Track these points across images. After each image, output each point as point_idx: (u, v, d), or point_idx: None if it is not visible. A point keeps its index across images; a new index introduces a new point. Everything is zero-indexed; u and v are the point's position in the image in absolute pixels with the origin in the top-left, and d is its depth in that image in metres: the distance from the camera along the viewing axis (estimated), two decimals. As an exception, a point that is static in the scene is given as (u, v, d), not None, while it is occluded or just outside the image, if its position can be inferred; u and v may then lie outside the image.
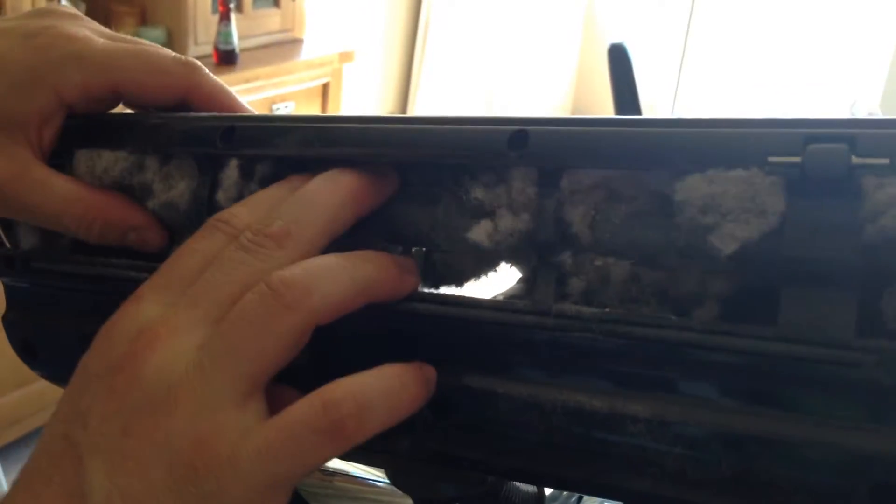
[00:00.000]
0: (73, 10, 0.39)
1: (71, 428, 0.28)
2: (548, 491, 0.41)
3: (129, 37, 0.39)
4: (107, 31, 0.39)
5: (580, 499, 0.50)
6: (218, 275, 0.29)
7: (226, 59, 2.13)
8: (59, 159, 0.38)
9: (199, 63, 0.38)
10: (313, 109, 2.35)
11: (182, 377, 0.27)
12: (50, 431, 0.28)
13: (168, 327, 0.28)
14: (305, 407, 0.27)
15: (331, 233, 0.30)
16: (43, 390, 1.74)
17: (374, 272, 0.29)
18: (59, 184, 0.37)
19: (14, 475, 0.29)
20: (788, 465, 0.26)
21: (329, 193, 0.31)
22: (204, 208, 0.35)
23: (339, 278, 0.28)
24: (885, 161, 0.24)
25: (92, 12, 2.00)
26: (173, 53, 0.38)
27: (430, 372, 0.30)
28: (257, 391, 0.27)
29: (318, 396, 0.27)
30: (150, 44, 0.39)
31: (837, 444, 0.25)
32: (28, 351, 0.40)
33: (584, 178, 0.29)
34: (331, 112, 2.38)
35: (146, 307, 0.29)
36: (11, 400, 1.76)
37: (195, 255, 0.30)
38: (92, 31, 0.38)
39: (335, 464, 0.50)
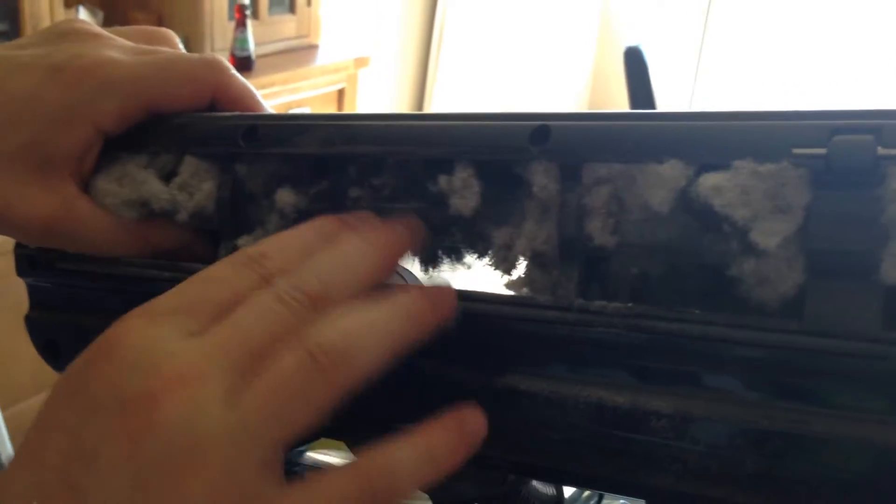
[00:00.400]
0: (91, 26, 0.39)
1: (73, 467, 0.25)
2: (567, 493, 0.41)
3: (150, 47, 0.39)
4: (128, 44, 0.38)
5: (600, 500, 0.49)
6: (251, 321, 0.27)
7: (242, 65, 2.14)
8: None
9: (225, 62, 0.38)
10: (329, 115, 2.36)
11: (207, 434, 0.25)
12: (41, 461, 0.25)
13: (194, 371, 0.25)
14: (335, 485, 0.26)
15: (363, 293, 0.30)
16: (62, 395, 1.75)
17: (411, 324, 0.29)
18: (104, 217, 0.37)
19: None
20: (814, 459, 0.26)
21: (365, 258, 0.30)
22: (228, 208, 0.35)
23: (377, 340, 0.28)
24: None
25: (109, 20, 2.01)
26: (198, 56, 0.38)
27: (473, 425, 0.28)
28: (280, 456, 0.26)
29: (349, 475, 0.26)
30: (171, 48, 0.39)
31: (864, 438, 0.25)
32: (50, 350, 0.40)
33: (604, 172, 0.29)
34: (346, 117, 2.38)
35: (163, 331, 0.26)
36: (31, 405, 1.77)
37: (223, 287, 0.28)
38: (115, 50, 0.37)
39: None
